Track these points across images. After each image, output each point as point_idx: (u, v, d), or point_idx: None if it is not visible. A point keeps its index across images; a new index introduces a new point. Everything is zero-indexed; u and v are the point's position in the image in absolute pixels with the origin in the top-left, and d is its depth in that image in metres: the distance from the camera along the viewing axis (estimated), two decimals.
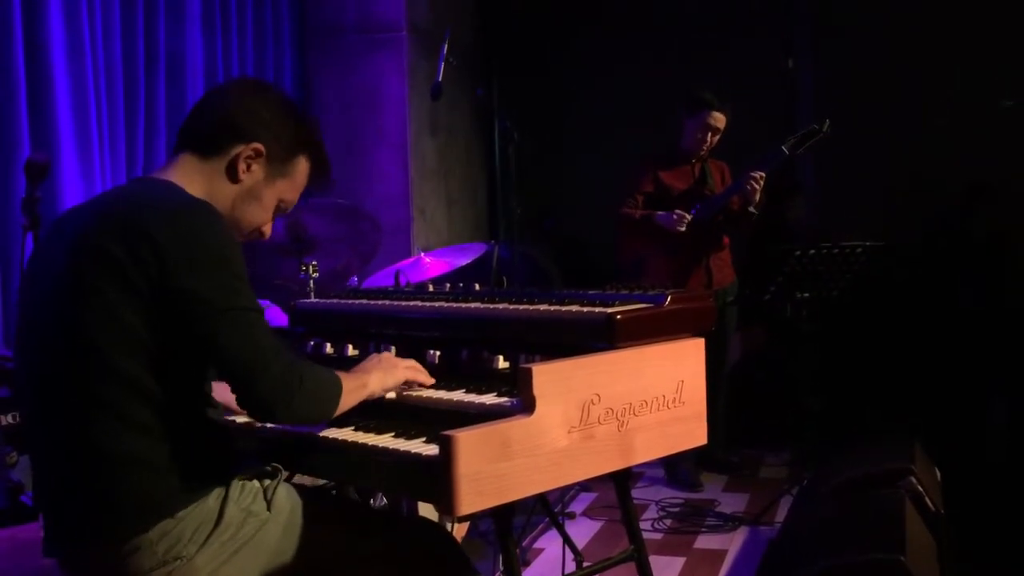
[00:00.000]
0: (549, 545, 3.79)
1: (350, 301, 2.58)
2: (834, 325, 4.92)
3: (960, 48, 4.97)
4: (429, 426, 1.80)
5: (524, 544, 3.72)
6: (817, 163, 5.39)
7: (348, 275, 3.97)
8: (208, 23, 4.72)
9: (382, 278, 4.03)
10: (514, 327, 2.12)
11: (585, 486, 4.50)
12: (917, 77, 5.08)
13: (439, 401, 1.95)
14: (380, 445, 1.79)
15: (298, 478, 2.08)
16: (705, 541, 3.92)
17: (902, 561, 2.11)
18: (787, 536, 3.12)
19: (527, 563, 3.62)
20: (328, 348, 2.39)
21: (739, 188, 4.40)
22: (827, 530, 2.64)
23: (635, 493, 4.38)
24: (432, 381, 2.03)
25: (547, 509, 3.04)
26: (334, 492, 2.38)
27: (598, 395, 1.83)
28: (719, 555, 3.74)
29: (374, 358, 2.02)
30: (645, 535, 2.37)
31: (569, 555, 3.08)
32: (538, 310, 2.09)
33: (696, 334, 2.10)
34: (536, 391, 1.71)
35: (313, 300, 2.82)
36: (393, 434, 1.84)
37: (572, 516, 4.24)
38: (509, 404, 1.82)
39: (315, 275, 3.58)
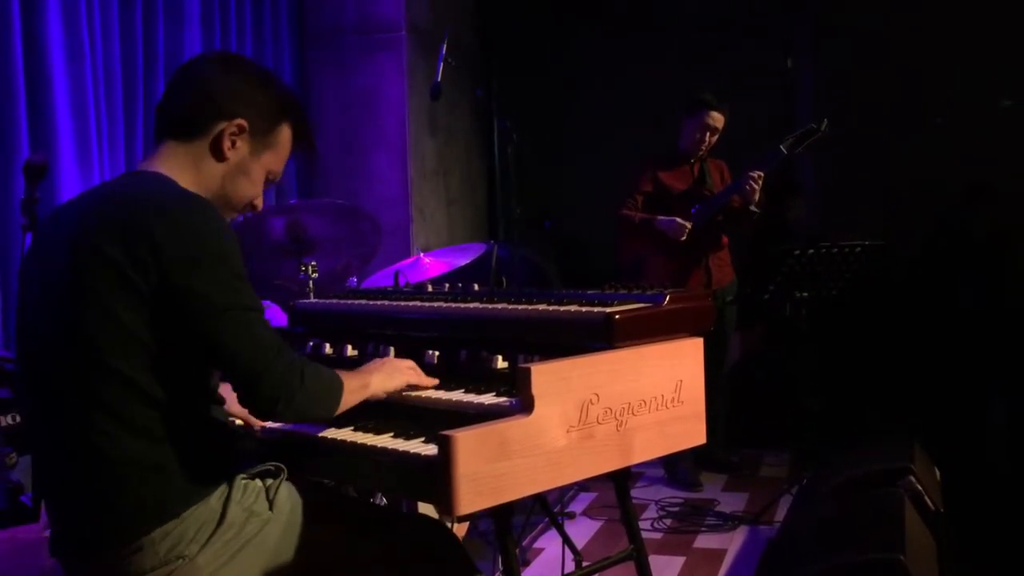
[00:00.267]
0: (548, 545, 3.79)
1: (349, 301, 2.59)
2: (833, 325, 4.93)
3: (960, 48, 4.97)
4: (428, 426, 1.80)
5: (524, 544, 3.72)
6: (817, 163, 5.39)
7: (347, 275, 3.97)
8: (207, 24, 4.72)
9: (381, 278, 4.03)
10: (513, 327, 2.12)
11: (584, 486, 4.50)
12: (917, 77, 5.08)
13: (438, 401, 1.95)
14: (379, 445, 1.79)
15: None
16: (705, 541, 3.92)
17: (901, 560, 2.11)
18: (787, 535, 3.12)
19: (526, 563, 3.62)
20: (327, 348, 2.40)
21: (738, 188, 4.40)
22: (827, 529, 2.64)
23: (635, 493, 4.39)
24: (434, 383, 2.03)
25: (546, 509, 3.04)
26: (336, 492, 2.38)
27: (597, 395, 1.83)
28: (719, 555, 3.74)
29: (377, 361, 2.03)
30: (645, 535, 2.37)
31: (568, 555, 3.08)
32: (537, 310, 2.09)
33: (695, 334, 2.10)
34: (535, 391, 1.71)
35: (312, 300, 2.82)
36: (392, 434, 1.84)
37: (571, 516, 4.24)
38: (508, 404, 1.82)
39: (314, 275, 3.58)
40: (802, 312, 4.09)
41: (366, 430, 1.89)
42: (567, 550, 3.06)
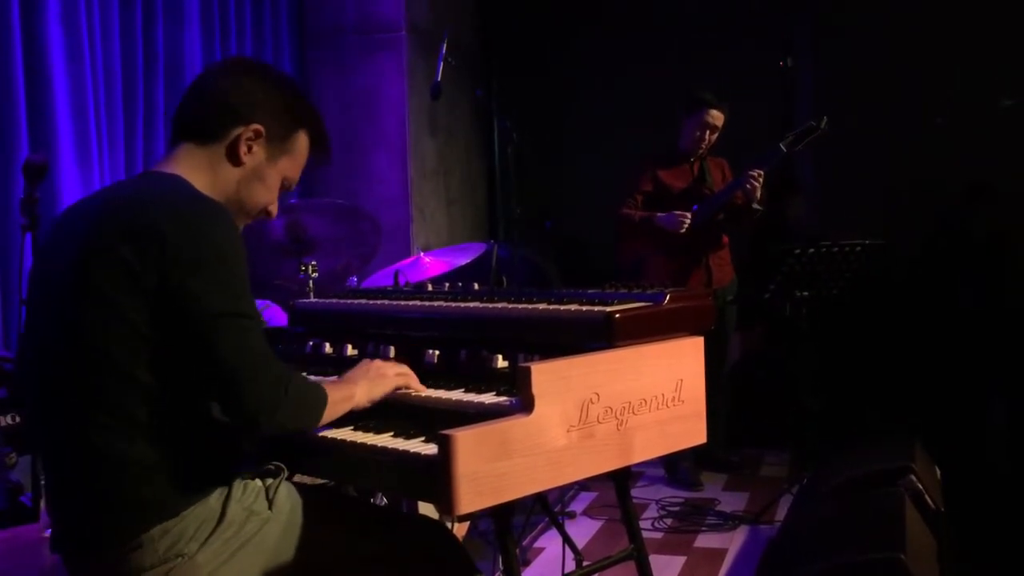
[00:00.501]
0: (549, 544, 3.79)
1: (349, 301, 2.59)
2: (834, 324, 4.92)
3: (960, 48, 4.96)
4: (428, 426, 1.80)
5: (524, 543, 3.72)
6: (817, 162, 5.38)
7: (348, 275, 3.98)
8: (206, 24, 4.72)
9: (382, 278, 4.03)
10: (513, 326, 2.12)
11: (585, 485, 4.50)
12: (917, 76, 5.07)
13: (438, 400, 1.95)
14: (379, 444, 1.79)
15: (298, 477, 2.08)
16: (705, 540, 3.92)
17: (902, 560, 2.11)
18: (787, 535, 3.12)
19: (527, 562, 3.62)
20: (327, 348, 2.39)
21: (738, 186, 4.40)
22: (827, 529, 2.64)
23: (635, 492, 4.39)
24: (423, 389, 2.01)
25: (547, 508, 3.04)
26: (335, 492, 2.38)
27: (597, 394, 1.82)
28: (719, 554, 3.74)
29: (364, 365, 1.99)
30: (645, 534, 2.37)
31: (569, 554, 3.08)
32: (537, 309, 2.09)
33: (695, 333, 2.10)
34: (535, 390, 1.71)
35: (312, 300, 2.82)
36: (392, 433, 1.84)
37: (572, 515, 4.24)
38: (508, 403, 1.81)
39: (315, 275, 3.58)
40: (802, 311, 4.09)
41: (366, 429, 1.88)
42: (567, 550, 3.06)
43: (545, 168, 5.54)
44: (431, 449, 1.68)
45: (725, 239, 4.68)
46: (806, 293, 4.04)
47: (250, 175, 1.85)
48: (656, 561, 2.92)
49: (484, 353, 2.07)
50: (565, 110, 6.06)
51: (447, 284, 2.57)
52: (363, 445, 1.81)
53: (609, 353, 1.89)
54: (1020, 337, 4.65)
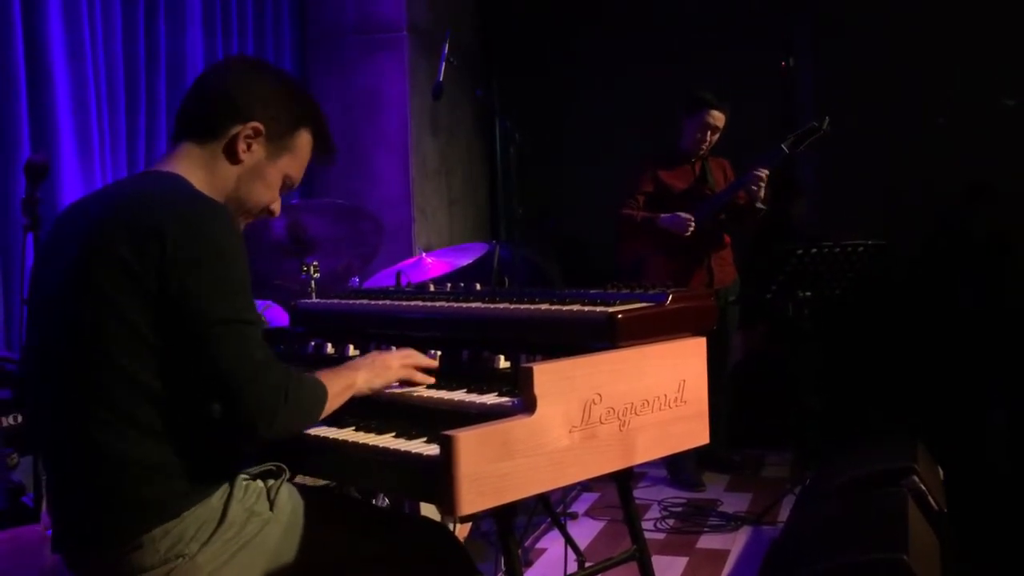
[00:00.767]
0: (551, 545, 3.79)
1: (351, 301, 2.58)
2: (836, 324, 4.92)
3: (961, 48, 4.96)
4: (430, 426, 1.79)
5: (526, 544, 3.72)
6: (818, 163, 5.38)
7: (349, 275, 3.97)
8: (208, 24, 4.72)
9: (383, 278, 4.03)
10: (515, 327, 2.12)
11: (587, 486, 4.49)
12: (917, 77, 5.07)
13: (440, 401, 1.94)
14: (381, 445, 1.78)
15: (299, 478, 2.08)
16: (707, 541, 3.91)
17: (905, 560, 2.10)
18: (790, 536, 3.11)
19: (529, 563, 3.61)
20: (329, 348, 2.39)
21: (741, 186, 4.40)
22: (830, 529, 2.64)
23: (637, 493, 4.39)
24: (430, 380, 2.01)
25: (549, 509, 3.04)
26: (336, 492, 2.37)
27: (599, 395, 1.82)
28: (722, 555, 3.73)
29: (369, 356, 1.99)
30: (647, 535, 2.37)
31: (571, 555, 3.08)
32: (539, 310, 2.09)
33: (698, 333, 2.10)
34: (537, 391, 1.70)
35: (314, 300, 2.82)
36: (394, 434, 1.83)
37: (574, 516, 4.24)
38: (510, 404, 1.81)
39: (316, 275, 3.58)
40: (805, 312, 4.08)
41: (368, 430, 1.88)
42: (569, 550, 3.06)
43: (546, 168, 5.53)
44: (433, 450, 1.68)
45: (727, 239, 4.67)
46: (808, 293, 4.03)
47: (249, 173, 1.84)
48: (658, 562, 2.91)
49: (486, 353, 2.07)
50: (565, 110, 6.05)
51: (449, 284, 2.57)
52: (365, 446, 1.81)
53: (612, 353, 1.89)
54: (1021, 337, 4.65)
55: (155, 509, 1.64)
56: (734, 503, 4.37)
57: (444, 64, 3.96)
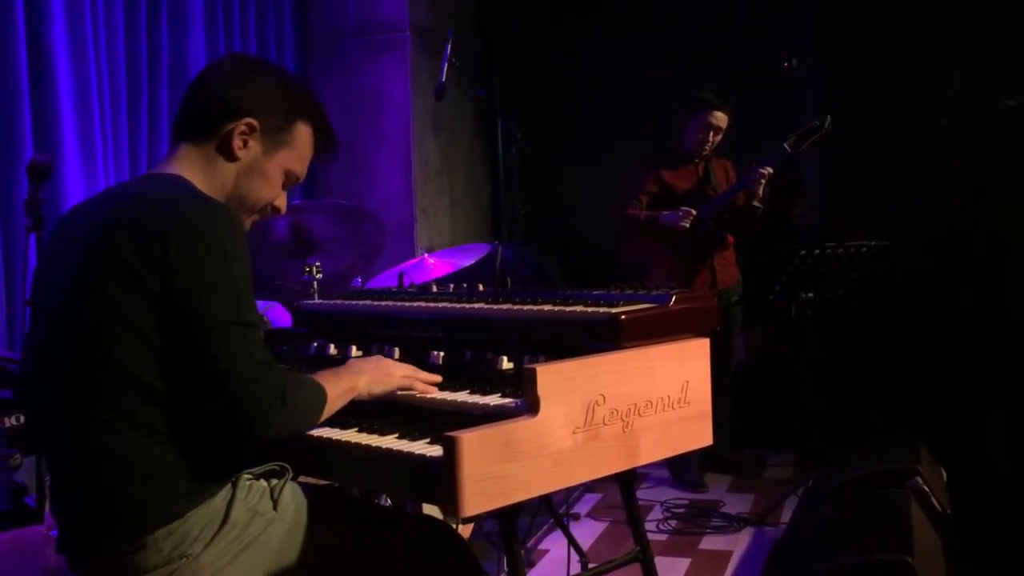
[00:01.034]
0: (554, 546, 3.79)
1: (354, 302, 2.58)
2: (838, 325, 4.92)
3: (962, 48, 4.95)
4: (433, 427, 1.79)
5: (529, 545, 3.72)
6: (819, 163, 5.37)
7: (352, 276, 3.97)
8: (210, 25, 4.73)
9: (386, 279, 4.03)
10: (518, 328, 2.11)
11: (589, 487, 4.49)
12: (919, 77, 5.06)
13: (443, 402, 1.94)
14: (384, 446, 1.78)
15: (303, 478, 2.08)
16: (710, 542, 3.91)
17: (908, 562, 2.10)
18: (792, 537, 3.11)
19: (532, 564, 3.61)
20: (332, 349, 2.39)
21: (743, 185, 4.40)
22: (833, 530, 2.63)
23: (640, 494, 4.38)
24: (432, 390, 1.98)
25: (551, 510, 3.03)
26: (340, 493, 2.37)
27: (603, 396, 1.82)
28: (724, 556, 3.73)
29: (372, 361, 1.98)
30: (650, 536, 2.37)
31: (574, 556, 3.07)
32: (542, 310, 2.08)
33: (701, 334, 2.09)
34: (540, 392, 1.70)
35: (316, 301, 2.82)
36: (397, 435, 1.83)
37: (577, 517, 4.24)
38: (513, 405, 1.80)
39: (319, 276, 3.58)
40: (807, 312, 4.08)
41: (371, 431, 1.87)
42: (572, 551, 3.05)
43: (547, 168, 5.53)
44: (436, 451, 1.68)
45: (730, 240, 4.67)
46: (811, 294, 4.03)
47: (248, 170, 1.84)
48: (661, 563, 2.91)
49: (489, 354, 2.06)
50: (567, 110, 6.05)
51: (451, 285, 2.56)
52: (368, 447, 1.80)
53: (615, 354, 1.88)
54: (1023, 337, 4.65)
55: (158, 509, 1.64)
56: (737, 504, 4.37)
57: (447, 64, 3.96)
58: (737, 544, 3.86)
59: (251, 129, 1.82)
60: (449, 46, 3.95)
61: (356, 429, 1.89)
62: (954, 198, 5.03)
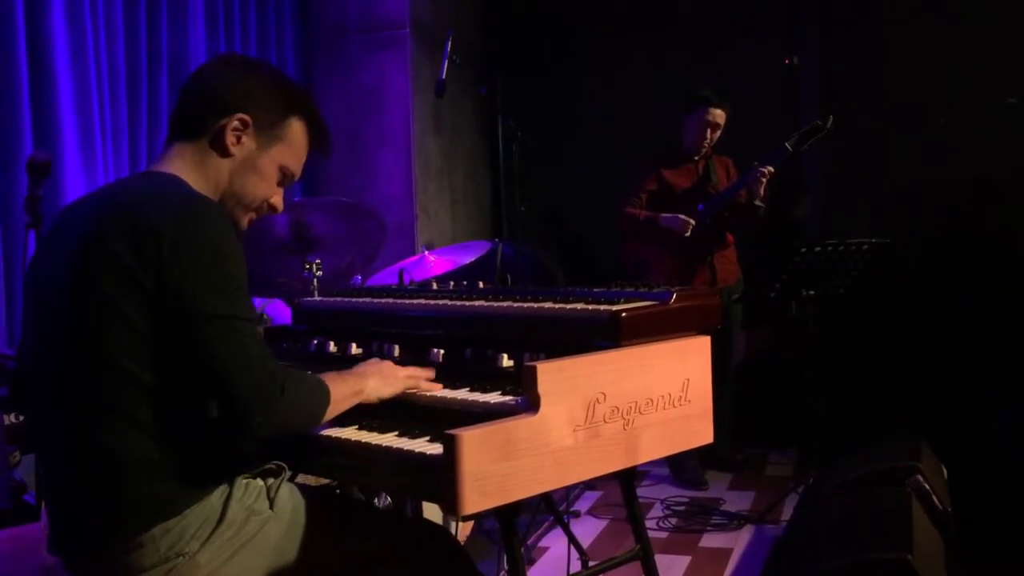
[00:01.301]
0: (554, 544, 3.78)
1: (354, 299, 2.58)
2: (839, 323, 4.91)
3: (965, 46, 4.95)
4: (433, 425, 1.79)
5: (529, 543, 3.71)
6: (822, 161, 5.36)
7: (352, 273, 3.96)
8: (211, 22, 4.72)
9: (386, 276, 4.02)
10: (518, 325, 2.10)
11: (590, 484, 4.49)
12: (921, 75, 5.06)
13: (443, 400, 1.93)
14: (383, 444, 1.77)
15: (301, 477, 2.07)
16: (710, 540, 3.91)
17: (909, 560, 2.10)
18: (793, 535, 3.11)
19: (532, 562, 3.61)
20: (332, 347, 2.38)
21: (744, 184, 4.39)
22: (833, 529, 2.63)
23: (640, 491, 4.38)
24: (437, 386, 1.98)
25: (552, 507, 3.03)
26: (338, 492, 2.37)
27: (603, 394, 1.81)
28: (725, 554, 3.73)
29: (375, 363, 1.98)
30: (650, 534, 2.36)
31: (574, 554, 3.07)
32: (543, 308, 2.08)
33: (701, 332, 2.09)
34: (541, 389, 1.69)
35: (316, 298, 2.81)
36: (396, 433, 1.82)
37: (577, 515, 4.23)
38: (514, 403, 1.80)
39: (319, 273, 3.57)
40: (809, 310, 4.07)
41: (370, 429, 1.87)
42: (572, 549, 3.05)
43: (549, 166, 5.53)
44: (436, 449, 1.67)
45: (730, 238, 4.67)
46: (812, 292, 4.02)
47: (242, 166, 1.84)
48: (661, 561, 2.91)
49: (489, 352, 2.06)
50: (569, 107, 6.04)
51: (452, 283, 2.56)
52: (367, 445, 1.80)
53: (615, 352, 1.88)
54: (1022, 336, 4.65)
55: (155, 508, 1.64)
56: (737, 502, 4.36)
57: (447, 62, 3.95)
58: (737, 542, 3.86)
59: (244, 125, 1.82)
60: (449, 43, 3.95)
61: (356, 427, 1.89)
62: (956, 196, 5.03)
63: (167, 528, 1.64)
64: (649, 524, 4.01)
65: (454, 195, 5.96)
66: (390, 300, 2.45)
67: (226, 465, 1.76)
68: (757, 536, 3.91)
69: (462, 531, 3.08)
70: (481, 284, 2.50)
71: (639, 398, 1.90)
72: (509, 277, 2.84)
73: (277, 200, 1.93)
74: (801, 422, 4.41)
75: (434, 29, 5.59)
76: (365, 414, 1.91)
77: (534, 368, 1.69)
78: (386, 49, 5.45)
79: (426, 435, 1.77)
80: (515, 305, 2.14)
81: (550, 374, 1.71)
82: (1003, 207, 4.96)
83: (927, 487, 2.70)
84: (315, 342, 2.43)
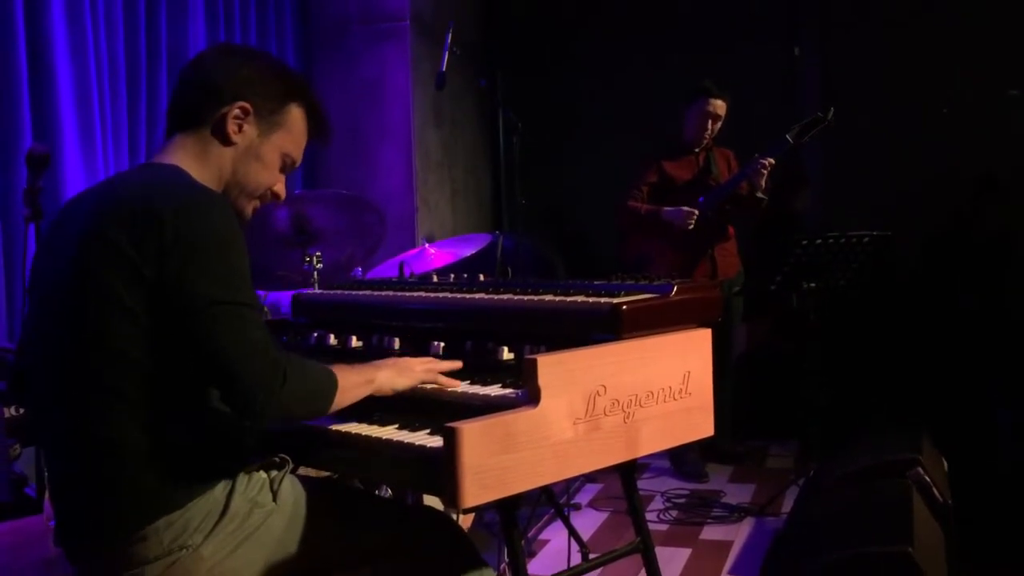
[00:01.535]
0: (554, 536, 3.79)
1: (354, 292, 2.57)
2: (840, 315, 4.91)
3: (966, 39, 4.94)
4: (433, 418, 1.79)
5: (529, 535, 3.72)
6: (823, 153, 5.36)
7: (352, 266, 3.96)
8: (211, 14, 4.71)
9: (386, 269, 4.02)
10: (519, 318, 2.10)
11: (590, 477, 4.49)
12: (923, 67, 5.05)
13: (443, 392, 1.93)
14: (384, 437, 1.78)
15: (302, 469, 2.07)
16: (711, 532, 3.91)
17: (909, 552, 2.10)
18: (793, 527, 3.11)
19: (532, 554, 3.61)
20: (332, 339, 2.38)
21: (745, 176, 4.39)
22: (834, 521, 2.63)
23: (641, 484, 4.39)
24: (455, 382, 1.96)
25: (552, 500, 3.03)
26: (339, 482, 2.37)
27: (604, 386, 1.81)
28: (725, 546, 3.73)
29: (391, 359, 1.98)
30: (651, 526, 2.36)
31: (574, 546, 3.07)
32: (543, 301, 2.07)
33: (702, 324, 2.08)
34: (541, 382, 1.69)
35: (317, 291, 2.81)
36: (397, 426, 1.83)
37: (577, 507, 4.24)
38: (514, 396, 1.80)
39: (319, 266, 3.57)
40: (809, 303, 4.07)
41: (371, 422, 1.87)
42: (573, 542, 3.05)
43: (549, 159, 5.52)
44: (436, 442, 1.67)
45: (731, 230, 4.66)
46: (813, 284, 4.02)
47: (244, 154, 1.84)
48: (661, 553, 2.91)
49: (490, 345, 2.06)
50: (569, 108, 6.02)
51: (452, 275, 2.56)
52: (368, 437, 1.80)
53: (616, 345, 1.88)
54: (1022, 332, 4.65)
55: (158, 500, 1.64)
56: (737, 494, 4.37)
57: (447, 54, 3.94)
58: (738, 534, 3.86)
59: (245, 113, 1.82)
60: (450, 35, 3.94)
61: (357, 420, 1.89)
62: (957, 188, 5.03)
63: (170, 521, 1.64)
64: (650, 516, 4.01)
65: (454, 188, 5.95)
66: (390, 293, 2.45)
67: (229, 458, 1.76)
68: (758, 528, 3.92)
69: (462, 524, 3.08)
70: (481, 277, 2.50)
71: (639, 391, 1.89)
72: (509, 270, 2.83)
73: (280, 187, 1.93)
74: (802, 414, 4.42)
75: (434, 21, 5.58)
76: (366, 407, 1.91)
77: (534, 361, 1.69)
78: (386, 41, 5.44)
79: (426, 428, 1.77)
80: (515, 298, 2.14)
81: (550, 367, 1.71)
82: (1004, 207, 4.96)
83: (928, 479, 2.70)
84: (315, 335, 2.42)
